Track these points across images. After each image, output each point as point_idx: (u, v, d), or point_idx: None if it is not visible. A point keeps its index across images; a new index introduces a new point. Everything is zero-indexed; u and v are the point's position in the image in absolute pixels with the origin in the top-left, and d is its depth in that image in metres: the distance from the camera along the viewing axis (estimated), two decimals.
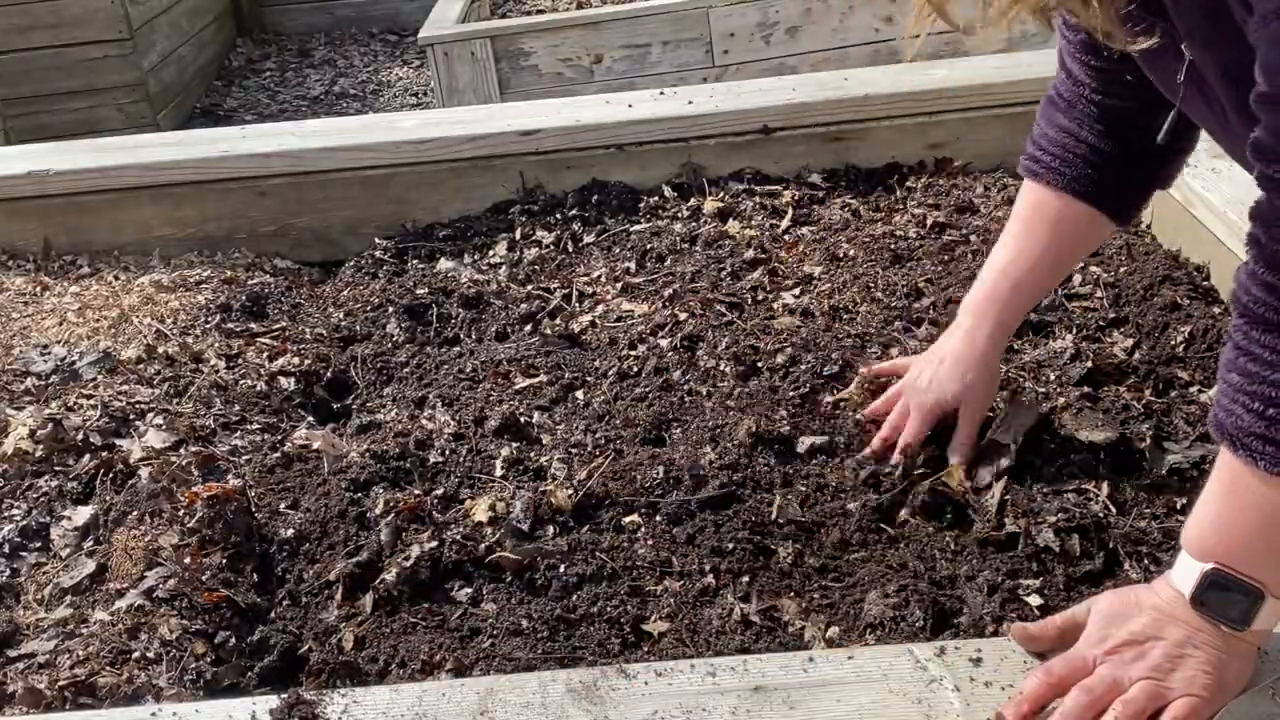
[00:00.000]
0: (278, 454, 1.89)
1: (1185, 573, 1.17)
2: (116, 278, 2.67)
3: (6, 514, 1.82)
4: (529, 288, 2.43)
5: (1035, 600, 1.46)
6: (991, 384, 1.69)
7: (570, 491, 1.69)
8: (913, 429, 1.69)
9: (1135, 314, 2.09)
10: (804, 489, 1.68)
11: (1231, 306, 1.15)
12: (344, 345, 2.30)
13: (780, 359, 2.00)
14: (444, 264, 2.57)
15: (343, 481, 1.75)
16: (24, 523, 1.78)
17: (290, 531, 1.68)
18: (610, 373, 2.04)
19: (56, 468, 1.91)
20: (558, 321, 2.30)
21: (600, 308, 2.32)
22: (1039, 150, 1.62)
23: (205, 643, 1.51)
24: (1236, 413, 1.11)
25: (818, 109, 2.71)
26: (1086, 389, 1.88)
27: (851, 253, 2.38)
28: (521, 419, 1.92)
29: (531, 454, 1.81)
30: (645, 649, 1.45)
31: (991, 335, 1.67)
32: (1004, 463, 1.64)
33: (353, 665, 1.46)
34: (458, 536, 1.61)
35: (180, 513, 1.70)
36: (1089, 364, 1.93)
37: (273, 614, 1.59)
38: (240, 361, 2.24)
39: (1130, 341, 2.02)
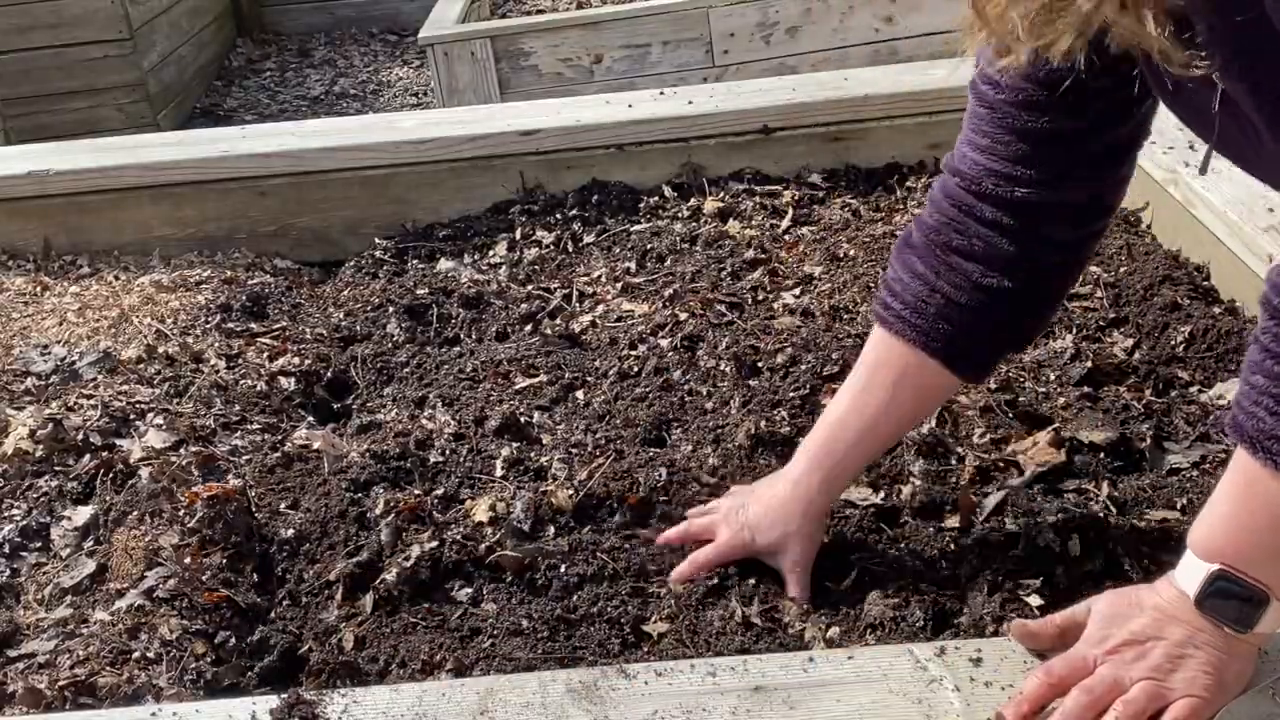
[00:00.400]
0: (278, 454, 1.89)
1: (1190, 573, 1.16)
2: (116, 278, 2.67)
3: (6, 514, 1.82)
4: (529, 288, 2.43)
5: (1035, 600, 1.46)
6: (814, 535, 1.51)
7: (571, 492, 1.69)
8: (714, 552, 1.54)
9: (1135, 314, 2.09)
10: None
11: (1260, 308, 1.13)
12: (344, 345, 2.30)
13: (780, 359, 2.00)
14: (444, 264, 2.57)
15: (343, 481, 1.75)
16: (24, 523, 1.78)
17: (290, 531, 1.68)
18: (610, 373, 2.04)
19: (56, 468, 1.91)
20: (558, 321, 2.30)
21: (600, 308, 2.32)
22: (892, 296, 1.48)
23: (205, 643, 1.51)
24: (1259, 415, 1.10)
25: (818, 109, 2.71)
26: (1086, 389, 1.88)
27: (852, 253, 2.38)
28: (522, 419, 1.92)
29: (532, 454, 1.81)
30: (645, 649, 1.44)
31: (822, 488, 1.51)
32: None
33: (353, 665, 1.46)
34: (458, 536, 1.61)
35: (180, 513, 1.70)
36: (1089, 364, 1.94)
37: (273, 614, 1.59)
38: (240, 361, 2.24)
39: (1130, 341, 2.02)
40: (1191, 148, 2.32)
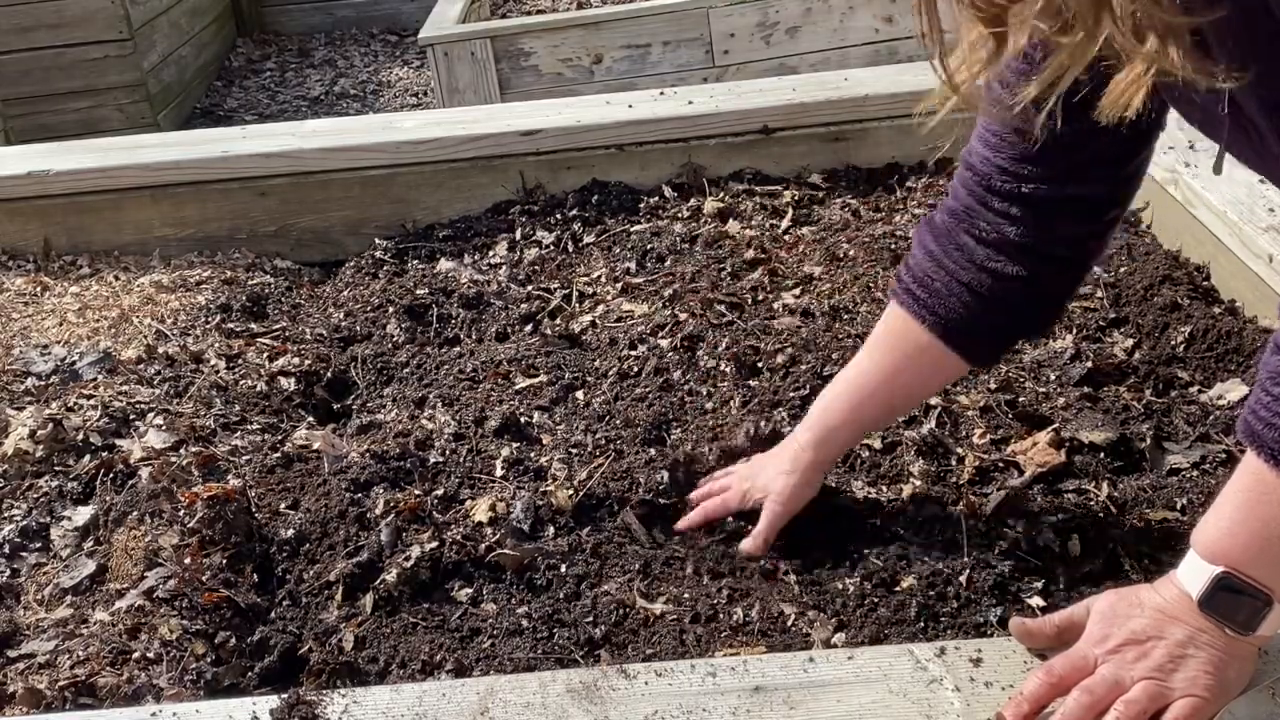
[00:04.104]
0: (278, 454, 1.89)
1: (1194, 574, 1.16)
2: (116, 278, 2.66)
3: (6, 514, 1.82)
4: (529, 288, 2.43)
5: (1036, 600, 1.46)
6: (799, 484, 1.58)
7: (571, 492, 1.69)
8: (719, 501, 1.64)
9: (1135, 314, 2.09)
10: None
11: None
12: (344, 345, 2.30)
13: (780, 359, 2.00)
14: (444, 264, 2.57)
15: (343, 482, 1.75)
16: (24, 523, 1.78)
17: (290, 532, 1.68)
18: (610, 373, 2.04)
19: (56, 468, 1.91)
20: (558, 322, 2.30)
21: (600, 308, 2.32)
22: (906, 271, 1.52)
23: (205, 643, 1.51)
24: (1278, 425, 1.10)
25: (818, 109, 2.71)
26: (1086, 389, 1.88)
27: (852, 253, 2.38)
28: (522, 419, 1.91)
29: (532, 454, 1.81)
30: (646, 649, 1.44)
31: (811, 444, 1.58)
32: None
33: (353, 665, 1.46)
34: (458, 537, 1.61)
35: (180, 513, 1.70)
36: (1089, 364, 1.94)
37: (273, 614, 1.59)
38: (240, 362, 2.24)
39: (1130, 341, 2.02)
40: (1192, 147, 2.32)
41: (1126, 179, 1.43)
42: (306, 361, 2.22)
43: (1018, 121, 1.21)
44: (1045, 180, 1.39)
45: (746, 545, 1.57)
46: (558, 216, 2.68)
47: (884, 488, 1.68)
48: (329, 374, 2.21)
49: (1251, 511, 1.14)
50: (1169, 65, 1.02)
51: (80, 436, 1.96)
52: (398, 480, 1.76)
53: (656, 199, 2.70)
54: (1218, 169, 1.29)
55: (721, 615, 1.47)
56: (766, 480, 1.60)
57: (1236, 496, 1.15)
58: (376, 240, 2.70)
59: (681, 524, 1.65)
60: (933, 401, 1.81)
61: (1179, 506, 1.61)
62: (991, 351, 1.59)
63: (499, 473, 1.76)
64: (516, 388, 2.03)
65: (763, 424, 1.79)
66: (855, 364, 1.59)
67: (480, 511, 1.66)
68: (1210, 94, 1.09)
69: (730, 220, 2.59)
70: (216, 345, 2.30)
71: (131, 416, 2.04)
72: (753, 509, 1.60)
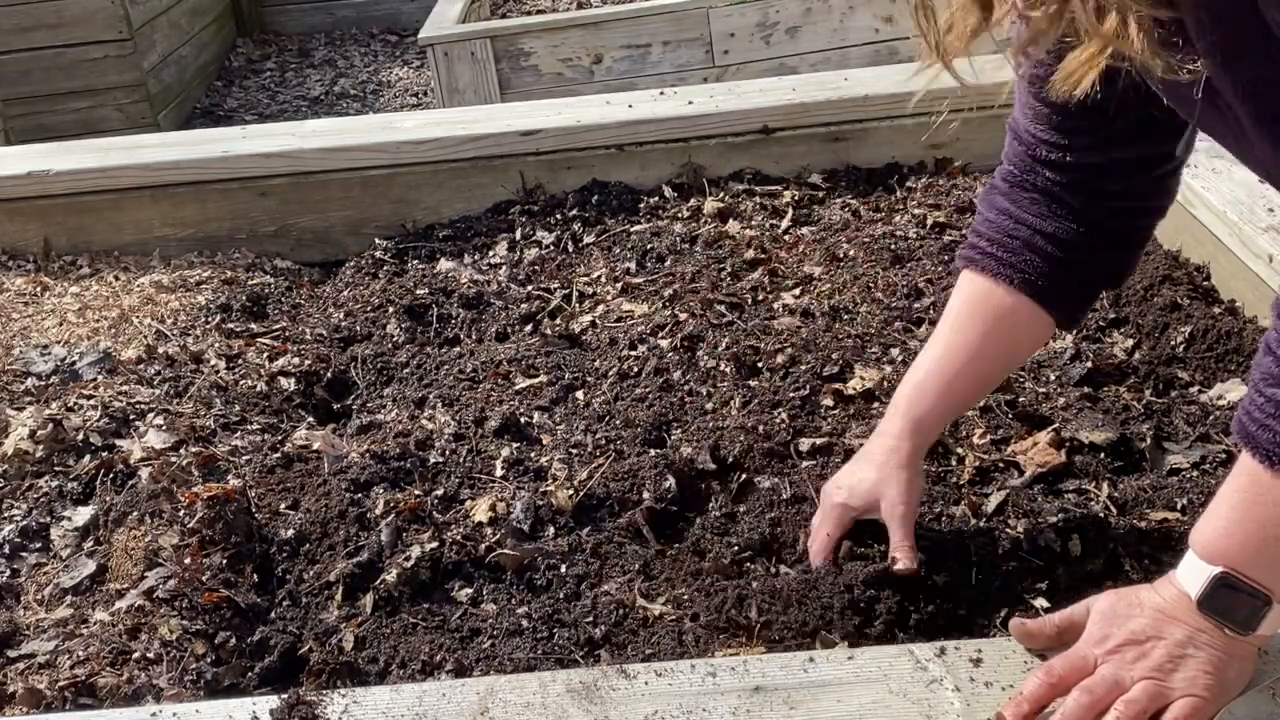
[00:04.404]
0: (278, 454, 1.89)
1: (1192, 574, 1.17)
2: (116, 278, 2.66)
3: (6, 514, 1.82)
4: (529, 288, 2.43)
5: (1037, 601, 1.46)
6: (909, 486, 1.48)
7: (571, 492, 1.69)
8: (823, 536, 1.52)
9: (1135, 314, 2.09)
10: (805, 489, 1.68)
11: (1272, 312, 1.13)
12: (344, 345, 2.30)
13: (780, 359, 2.00)
14: (444, 264, 2.57)
15: (343, 482, 1.75)
16: (24, 523, 1.78)
17: (290, 532, 1.68)
18: (610, 373, 2.04)
19: (56, 468, 1.91)
20: (558, 322, 2.30)
21: (600, 308, 2.32)
22: (978, 237, 1.48)
23: (205, 643, 1.51)
24: (1274, 428, 1.10)
25: (818, 109, 2.71)
26: (1086, 389, 1.88)
27: (852, 253, 2.38)
28: (522, 419, 1.91)
29: (532, 454, 1.81)
30: (646, 649, 1.44)
31: (913, 441, 1.49)
32: None
33: (353, 665, 1.46)
34: (458, 537, 1.61)
35: (180, 513, 1.70)
36: (1089, 364, 1.94)
37: (273, 614, 1.59)
38: (240, 362, 2.24)
39: (1130, 341, 2.02)
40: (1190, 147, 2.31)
41: (1167, 134, 1.37)
42: (306, 361, 2.22)
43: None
44: (1089, 149, 1.40)
45: (900, 567, 1.43)
46: (558, 216, 2.68)
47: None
48: (329, 374, 2.21)
49: (1247, 512, 1.14)
50: (1127, 48, 1.03)
51: (80, 436, 1.96)
52: (398, 480, 1.76)
53: (656, 199, 2.70)
54: (1185, 150, 1.30)
55: (721, 615, 1.47)
56: (869, 488, 1.48)
57: (1233, 497, 1.15)
58: (376, 240, 2.70)
59: (816, 559, 1.51)
60: None
61: (1179, 506, 1.61)
62: (1078, 304, 1.53)
63: (499, 473, 1.76)
64: (516, 388, 2.03)
65: (763, 424, 1.78)
66: (937, 342, 1.51)
67: (480, 511, 1.66)
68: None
69: (730, 220, 2.59)
70: (216, 345, 2.30)
71: (131, 416, 2.04)
72: (861, 522, 1.50)
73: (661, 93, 2.90)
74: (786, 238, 2.51)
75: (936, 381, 1.50)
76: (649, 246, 2.51)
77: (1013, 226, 1.45)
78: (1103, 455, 1.71)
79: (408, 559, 1.57)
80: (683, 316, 2.20)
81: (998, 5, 1.14)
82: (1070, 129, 1.39)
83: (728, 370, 2.00)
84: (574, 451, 1.81)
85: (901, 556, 1.44)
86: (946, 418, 1.56)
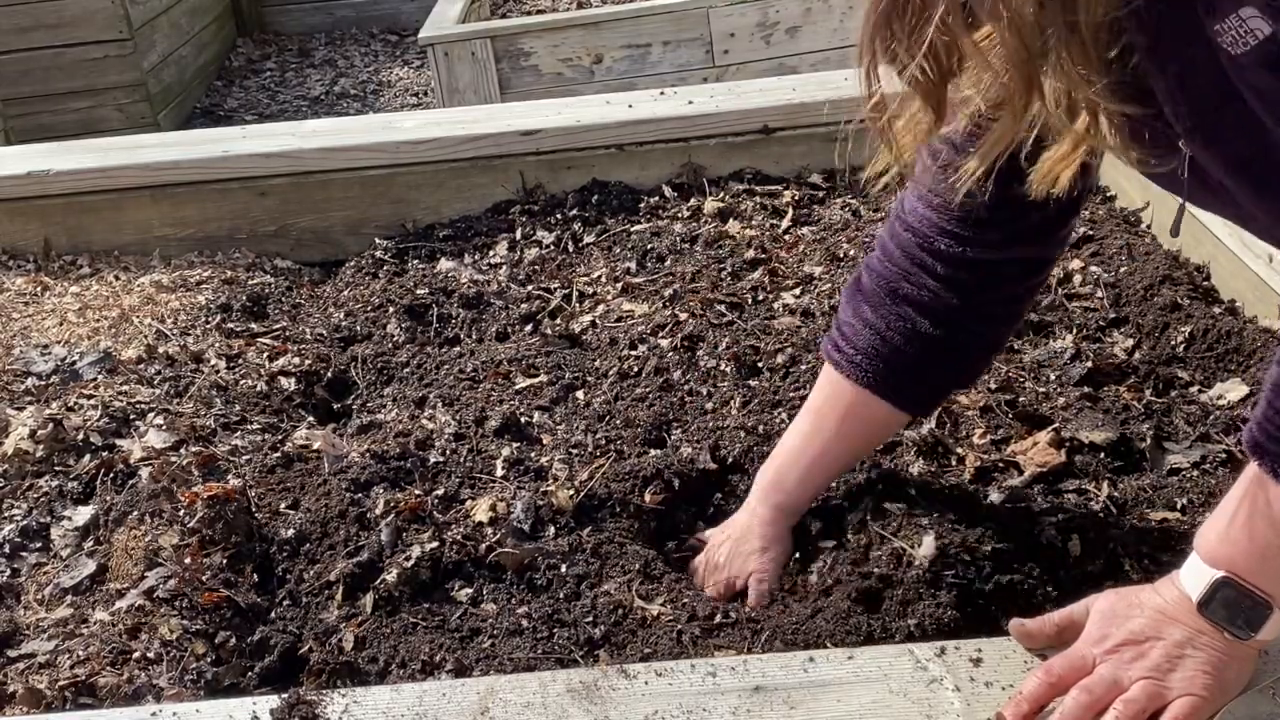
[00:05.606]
0: (278, 454, 1.89)
1: (1194, 577, 1.17)
2: (116, 278, 2.67)
3: (7, 514, 1.82)
4: (529, 288, 2.43)
5: (1037, 601, 1.46)
6: (772, 553, 1.57)
7: (571, 492, 1.69)
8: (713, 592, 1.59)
9: (1135, 314, 2.09)
10: None
11: None
12: (344, 345, 2.30)
13: (780, 359, 2.00)
14: (444, 264, 2.57)
15: (343, 481, 1.75)
16: (24, 523, 1.78)
17: (290, 531, 1.68)
18: (610, 373, 2.04)
19: (57, 468, 1.91)
20: (558, 321, 2.30)
21: (600, 308, 2.32)
22: (841, 338, 1.53)
23: (205, 643, 1.51)
24: None
25: (818, 109, 2.71)
26: (1086, 389, 1.88)
27: (852, 253, 2.38)
28: (522, 419, 1.91)
29: (532, 454, 1.81)
30: (646, 649, 1.44)
31: (772, 517, 1.58)
32: None
33: (353, 665, 1.46)
34: (458, 537, 1.61)
35: (180, 513, 1.70)
36: (1089, 364, 1.94)
37: (273, 614, 1.59)
38: (240, 362, 2.24)
39: (1130, 341, 2.02)
40: None
41: (1063, 239, 1.47)
42: (306, 361, 2.22)
43: (957, 188, 1.21)
44: (990, 245, 1.41)
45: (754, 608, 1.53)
46: (558, 216, 2.68)
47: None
48: (329, 374, 2.21)
49: (1253, 520, 1.14)
50: (1100, 144, 1.04)
51: (80, 436, 1.96)
52: (398, 480, 1.76)
53: (656, 199, 2.71)
54: (1174, 231, 1.31)
55: (721, 615, 1.47)
56: (740, 566, 1.57)
57: (1239, 504, 1.16)
58: (376, 240, 2.70)
59: None
60: None
61: (1179, 506, 1.61)
62: (931, 402, 1.63)
63: (499, 473, 1.76)
64: (517, 388, 2.03)
65: (763, 424, 1.78)
66: (798, 430, 1.60)
67: (480, 511, 1.66)
68: (1169, 155, 1.10)
69: (730, 220, 2.59)
70: (216, 345, 2.30)
71: (131, 416, 2.04)
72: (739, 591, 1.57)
73: (661, 93, 2.90)
74: (787, 237, 2.51)
75: (797, 467, 1.58)
76: (649, 246, 2.51)
77: (878, 342, 1.49)
78: (1103, 455, 1.71)
79: (408, 559, 1.57)
80: (683, 316, 2.20)
81: (950, 111, 1.15)
82: (976, 221, 1.39)
83: (728, 370, 2.00)
84: (574, 451, 1.81)
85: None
86: (810, 497, 1.62)
